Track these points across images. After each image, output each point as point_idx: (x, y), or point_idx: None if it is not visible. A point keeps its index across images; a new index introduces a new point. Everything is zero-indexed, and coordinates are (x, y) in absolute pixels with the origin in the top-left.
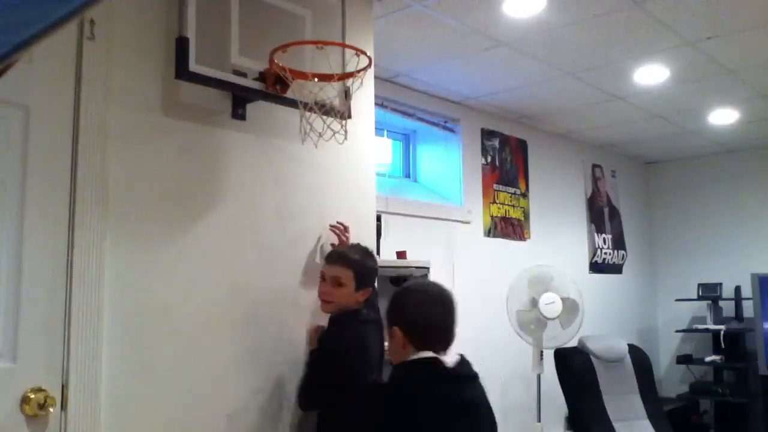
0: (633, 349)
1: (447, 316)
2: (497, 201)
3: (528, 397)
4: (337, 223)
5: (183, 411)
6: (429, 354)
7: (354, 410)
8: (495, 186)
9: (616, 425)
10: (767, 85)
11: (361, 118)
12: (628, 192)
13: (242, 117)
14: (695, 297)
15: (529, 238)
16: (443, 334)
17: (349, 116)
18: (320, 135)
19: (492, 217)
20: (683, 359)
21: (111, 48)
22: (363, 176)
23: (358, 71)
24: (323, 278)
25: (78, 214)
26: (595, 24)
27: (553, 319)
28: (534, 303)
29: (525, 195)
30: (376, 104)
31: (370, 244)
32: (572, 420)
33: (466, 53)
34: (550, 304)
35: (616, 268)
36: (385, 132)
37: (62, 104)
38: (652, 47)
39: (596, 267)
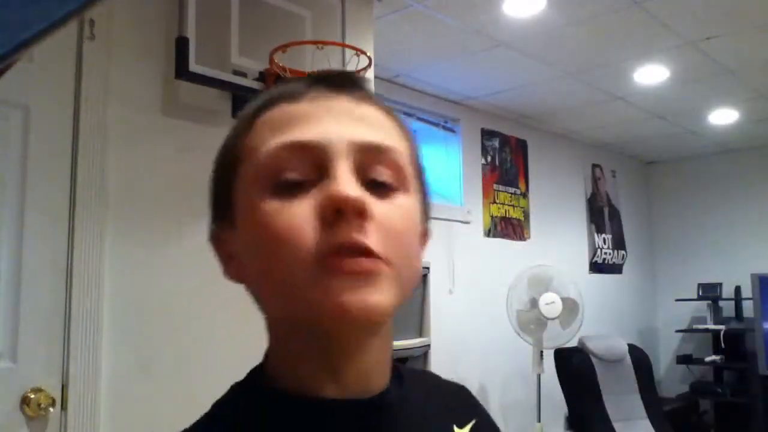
0: (633, 349)
1: None
2: (497, 201)
3: (528, 397)
4: None
5: (183, 411)
6: None
7: None
8: (495, 186)
9: (616, 425)
10: (767, 85)
11: None
12: (628, 192)
13: None
14: (695, 297)
15: (529, 238)
16: None
17: None
18: None
19: (492, 217)
20: (683, 359)
21: (111, 48)
22: None
23: (358, 71)
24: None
25: (78, 214)
26: (595, 24)
27: (553, 319)
28: (534, 303)
29: (525, 195)
30: None
31: None
32: (572, 420)
33: (466, 53)
34: (550, 304)
35: (616, 268)
36: None
37: (62, 104)
38: (652, 47)
39: (596, 267)
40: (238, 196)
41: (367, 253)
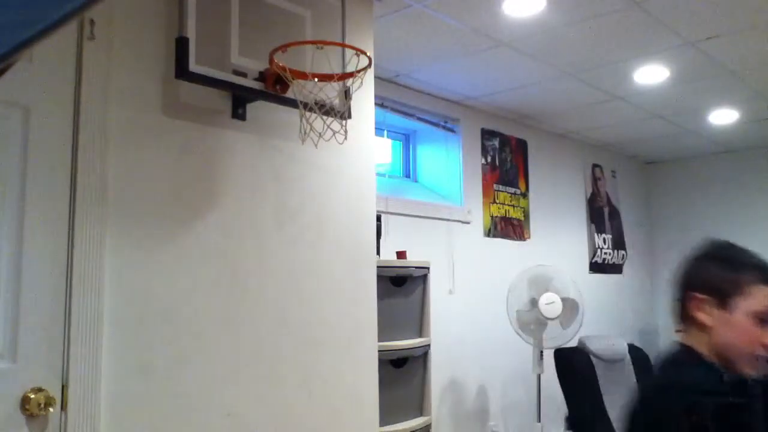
0: (633, 349)
1: None
2: (497, 201)
3: (528, 397)
4: None
5: (183, 411)
6: None
7: None
8: (495, 186)
9: (616, 425)
10: (767, 85)
11: (361, 118)
12: (628, 192)
13: (242, 117)
14: None
15: (529, 238)
16: None
17: (349, 116)
18: (320, 135)
19: (492, 217)
20: None
21: (111, 48)
22: (363, 176)
23: (358, 71)
24: None
25: (78, 214)
26: (595, 24)
27: (553, 319)
28: (534, 303)
29: (525, 195)
30: (376, 104)
31: (370, 243)
32: (572, 420)
33: (466, 53)
34: (550, 304)
35: (616, 268)
36: (385, 132)
37: (62, 104)
38: (652, 47)
39: (596, 267)
40: (737, 303)
41: None
